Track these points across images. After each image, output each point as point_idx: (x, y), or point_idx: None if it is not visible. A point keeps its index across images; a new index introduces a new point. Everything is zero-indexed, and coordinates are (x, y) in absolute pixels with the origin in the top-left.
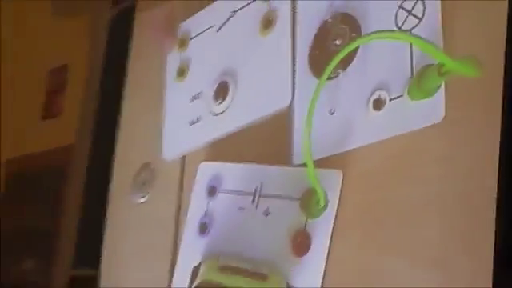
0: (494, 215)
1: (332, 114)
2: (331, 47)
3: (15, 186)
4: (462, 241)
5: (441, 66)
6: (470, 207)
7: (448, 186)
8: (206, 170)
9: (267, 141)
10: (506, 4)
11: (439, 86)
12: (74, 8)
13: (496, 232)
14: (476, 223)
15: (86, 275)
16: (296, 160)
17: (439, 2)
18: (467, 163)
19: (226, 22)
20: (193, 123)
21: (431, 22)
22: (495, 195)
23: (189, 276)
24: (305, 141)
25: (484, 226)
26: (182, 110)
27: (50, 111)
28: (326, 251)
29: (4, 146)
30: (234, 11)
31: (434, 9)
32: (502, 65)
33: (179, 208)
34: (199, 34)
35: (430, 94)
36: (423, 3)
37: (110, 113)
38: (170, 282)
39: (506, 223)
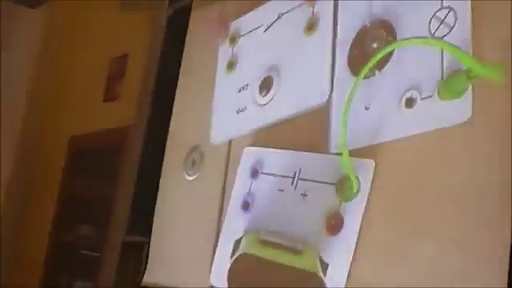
0: (509, 202)
1: (367, 109)
2: (369, 49)
3: (77, 160)
4: (484, 223)
5: (469, 70)
6: (489, 195)
7: (470, 176)
8: (250, 154)
9: (306, 131)
10: None
11: (467, 89)
12: (139, 5)
13: None
14: (495, 208)
15: (137, 242)
16: (333, 149)
17: (469, 13)
18: (488, 157)
19: (273, 23)
20: (239, 112)
21: (462, 30)
22: (511, 186)
23: (231, 248)
24: (341, 132)
25: (502, 210)
26: (229, 100)
27: (110, 95)
28: (357, 232)
29: (68, 125)
30: (282, 13)
31: (465, 19)
32: None
33: (224, 187)
34: (248, 32)
35: (458, 95)
36: (455, 13)
37: (164, 99)
38: (214, 253)
39: None
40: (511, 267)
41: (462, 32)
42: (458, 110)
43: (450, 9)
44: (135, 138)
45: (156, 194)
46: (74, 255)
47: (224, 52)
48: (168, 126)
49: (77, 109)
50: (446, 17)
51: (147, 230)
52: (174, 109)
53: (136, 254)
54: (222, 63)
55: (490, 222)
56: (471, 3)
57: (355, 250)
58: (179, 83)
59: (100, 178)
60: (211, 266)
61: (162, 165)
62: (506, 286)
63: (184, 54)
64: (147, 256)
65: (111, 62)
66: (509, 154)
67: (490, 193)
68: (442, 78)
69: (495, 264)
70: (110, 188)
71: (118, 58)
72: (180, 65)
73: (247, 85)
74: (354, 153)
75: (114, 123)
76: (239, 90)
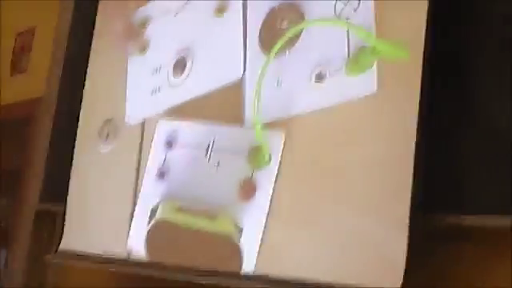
0: (412, 169)
1: (279, 85)
2: (279, 29)
3: None
4: (389, 189)
5: (373, 48)
6: (395, 163)
7: (376, 147)
8: (164, 126)
9: (221, 107)
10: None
11: (372, 64)
12: None
13: (414, 181)
14: (400, 175)
15: (51, 210)
16: (246, 123)
17: None
18: (393, 129)
19: (183, 7)
20: (154, 93)
21: (365, 10)
22: (413, 154)
23: (148, 215)
24: (254, 105)
25: (405, 176)
26: (143, 82)
27: (17, 68)
28: (269, 198)
29: None
30: None
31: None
32: (422, 50)
33: (139, 159)
34: (158, 16)
35: (363, 70)
36: None
37: (75, 72)
38: (131, 220)
39: (420, 176)
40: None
41: (365, 12)
42: (364, 84)
43: None
44: (45, 110)
45: (70, 165)
46: None
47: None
48: (80, 99)
49: None
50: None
51: (62, 199)
52: (87, 82)
53: (51, 223)
54: (133, 45)
55: (393, 187)
56: None
57: (268, 215)
58: (90, 58)
59: (11, 149)
60: (128, 232)
61: (75, 137)
62: (405, 248)
63: (95, 29)
64: (63, 225)
65: (18, 36)
66: (413, 126)
67: (393, 162)
68: (349, 55)
69: (395, 225)
70: (21, 159)
71: (25, 32)
72: (90, 39)
73: (160, 67)
74: (266, 125)
75: (22, 96)
76: (152, 73)
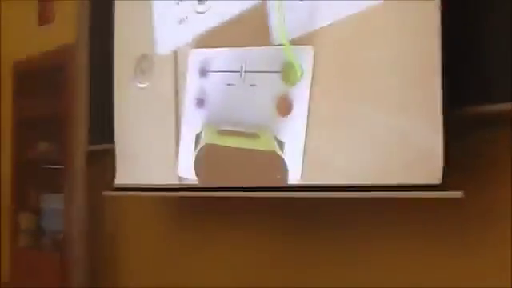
0: (439, 64)
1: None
2: None
3: (25, 83)
4: (419, 86)
5: None
6: (419, 60)
7: (401, 49)
8: (197, 55)
9: (248, 29)
10: None
11: None
12: None
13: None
14: (425, 71)
15: (101, 150)
16: (274, 41)
17: None
18: (416, 27)
19: None
20: (181, 22)
21: None
22: (439, 56)
23: (193, 142)
24: (280, 24)
25: (431, 72)
26: (169, 12)
27: (44, 18)
28: (307, 109)
29: (10, 51)
30: None
31: None
32: None
33: (177, 90)
34: None
35: None
36: None
37: (103, 15)
38: (177, 148)
39: (447, 70)
40: (444, 123)
41: None
42: None
43: None
44: (80, 54)
45: (112, 104)
46: (37, 170)
47: None
48: (111, 40)
49: (15, 35)
50: None
51: (109, 139)
52: (116, 23)
53: (102, 162)
54: None
55: (422, 83)
56: None
57: (307, 126)
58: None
59: (50, 96)
60: (176, 160)
61: (112, 76)
62: (441, 138)
63: None
64: (114, 162)
65: None
66: (436, 22)
67: (420, 58)
68: None
69: (430, 121)
70: (62, 105)
71: None
72: None
73: None
74: (294, 41)
75: (53, 44)
76: (178, 2)
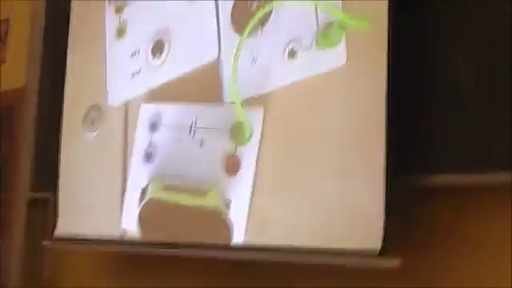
0: (383, 133)
1: (254, 63)
2: (250, 10)
3: None
4: (364, 153)
5: (341, 22)
6: (365, 128)
7: (347, 115)
8: (147, 109)
9: (200, 86)
10: None
11: (341, 38)
12: None
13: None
14: (370, 140)
15: (43, 198)
16: (226, 100)
17: None
18: (363, 96)
19: None
20: (134, 75)
21: None
22: (383, 123)
23: (138, 196)
24: (232, 84)
25: (376, 141)
26: (123, 65)
27: None
28: (254, 170)
29: None
30: None
31: None
32: (386, 23)
33: (125, 142)
34: (134, 0)
35: (333, 44)
36: None
37: (55, 61)
38: (122, 202)
39: (392, 139)
40: (386, 191)
41: None
42: (334, 57)
43: None
44: (28, 99)
45: (58, 153)
46: None
47: (111, 20)
48: (62, 87)
49: None
50: None
51: (52, 187)
52: (67, 70)
53: (43, 210)
54: (110, 31)
55: (367, 151)
56: None
57: (253, 187)
58: (69, 46)
59: None
60: (121, 213)
61: (60, 124)
62: (383, 206)
63: (71, 18)
64: (55, 211)
65: None
66: (381, 92)
67: (366, 126)
68: (318, 30)
69: (372, 187)
70: (7, 149)
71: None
72: (68, 27)
73: (139, 49)
74: (245, 102)
75: (3, 86)
76: (132, 55)
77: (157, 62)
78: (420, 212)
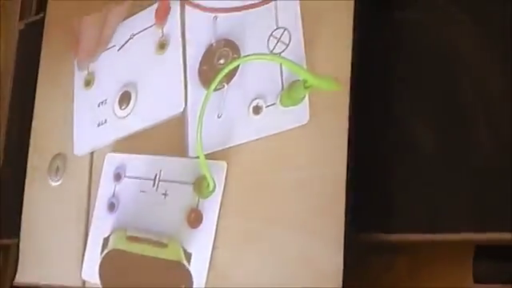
0: (343, 191)
1: (219, 117)
2: (216, 65)
3: None
4: (324, 209)
5: (305, 81)
6: (326, 186)
7: (310, 171)
8: (112, 159)
9: (165, 139)
10: (350, 40)
11: (304, 97)
12: None
13: (346, 201)
14: (332, 196)
15: (4, 244)
16: (190, 154)
17: (301, 32)
18: (324, 154)
19: (126, 43)
20: (100, 125)
21: (296, 46)
22: (344, 177)
23: (100, 246)
24: (197, 138)
25: (338, 197)
26: (89, 114)
27: None
28: (215, 224)
29: None
30: (133, 34)
31: (299, 37)
32: (349, 81)
33: (89, 191)
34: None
35: (297, 102)
36: (289, 32)
37: (23, 107)
38: (84, 251)
39: (352, 197)
40: (345, 248)
41: (296, 48)
42: (298, 115)
43: (285, 29)
44: None
45: (21, 199)
46: None
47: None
48: (28, 133)
49: None
50: (281, 36)
51: (14, 233)
52: (34, 118)
53: (4, 256)
54: (78, 80)
55: (328, 208)
56: (302, 23)
57: (215, 239)
58: (37, 93)
59: None
60: (82, 263)
61: (25, 171)
62: (342, 262)
63: (40, 66)
64: (17, 258)
65: None
66: (343, 151)
67: (327, 184)
68: (283, 88)
69: (333, 244)
70: None
71: None
72: (36, 75)
73: (106, 100)
74: (209, 156)
75: None
76: (98, 105)
77: (123, 112)
78: (377, 268)
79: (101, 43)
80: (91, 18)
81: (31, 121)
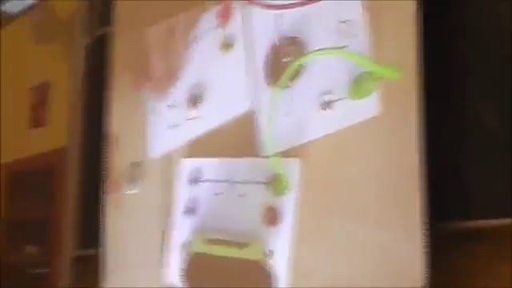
0: (418, 181)
1: (288, 115)
2: (281, 63)
3: (15, 185)
4: (399, 201)
5: (373, 73)
6: (400, 177)
7: (381, 163)
8: (187, 165)
9: (235, 139)
10: (415, 29)
11: (373, 88)
12: (53, 38)
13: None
14: (405, 188)
15: (86, 255)
16: (261, 153)
17: (366, 23)
18: (396, 145)
19: (191, 45)
20: (171, 127)
21: (361, 39)
22: (417, 167)
23: (180, 250)
24: (268, 137)
25: (411, 189)
26: (161, 117)
27: (35, 122)
28: (293, 221)
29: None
30: (197, 36)
31: (363, 28)
32: (416, 71)
33: (166, 197)
34: None
35: (366, 94)
36: (353, 24)
37: (95, 121)
38: (165, 256)
39: (427, 187)
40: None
41: (361, 40)
42: (367, 107)
43: (349, 21)
44: (70, 159)
45: (100, 210)
46: (22, 275)
47: None
48: (100, 146)
49: (6, 137)
50: (345, 28)
51: (94, 244)
52: (110, 128)
53: (87, 267)
54: None
55: (402, 200)
56: (365, 14)
57: (293, 237)
58: (109, 103)
59: (39, 200)
60: (163, 268)
61: (102, 182)
62: (422, 260)
63: (109, 75)
64: (98, 268)
65: (31, 90)
66: (414, 140)
67: (399, 176)
68: (350, 81)
69: (410, 237)
70: (50, 209)
71: (39, 86)
72: (104, 89)
73: (175, 102)
74: (281, 154)
75: (44, 148)
76: (168, 108)
77: (192, 114)
78: (457, 257)
79: (171, 77)
80: (156, 30)
81: (105, 132)
